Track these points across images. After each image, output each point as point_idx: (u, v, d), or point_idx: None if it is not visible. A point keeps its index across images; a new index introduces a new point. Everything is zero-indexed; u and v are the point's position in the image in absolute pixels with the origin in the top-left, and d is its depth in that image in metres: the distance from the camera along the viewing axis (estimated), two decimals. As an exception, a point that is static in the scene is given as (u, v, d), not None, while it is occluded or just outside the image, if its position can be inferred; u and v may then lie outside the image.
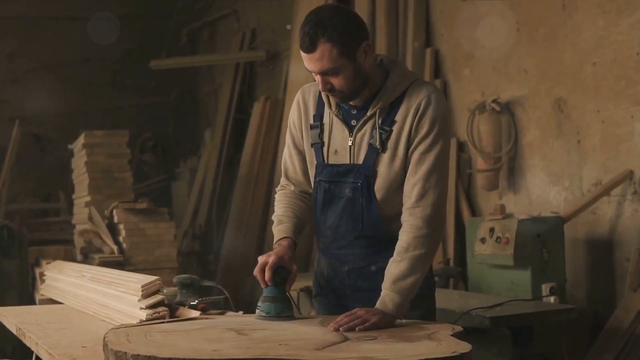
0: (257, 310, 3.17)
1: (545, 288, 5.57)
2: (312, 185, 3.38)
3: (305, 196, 3.44)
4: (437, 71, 7.83)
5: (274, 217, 3.42)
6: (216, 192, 11.89)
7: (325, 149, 3.30)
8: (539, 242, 5.64)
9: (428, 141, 3.11)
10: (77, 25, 13.23)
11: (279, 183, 3.53)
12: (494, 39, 7.09)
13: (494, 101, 6.80)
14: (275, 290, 3.14)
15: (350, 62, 3.08)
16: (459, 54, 7.59)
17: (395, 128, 3.16)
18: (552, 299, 5.52)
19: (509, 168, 6.88)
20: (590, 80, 6.10)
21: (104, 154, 8.70)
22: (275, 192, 3.53)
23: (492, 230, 5.77)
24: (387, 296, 3.04)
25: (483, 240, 5.83)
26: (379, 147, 3.16)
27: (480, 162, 6.93)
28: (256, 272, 3.14)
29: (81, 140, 8.91)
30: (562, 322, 5.25)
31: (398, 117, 3.16)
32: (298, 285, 6.46)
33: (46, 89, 13.05)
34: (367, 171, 3.19)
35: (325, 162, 3.29)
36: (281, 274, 3.13)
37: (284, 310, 3.13)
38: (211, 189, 11.94)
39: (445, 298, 5.30)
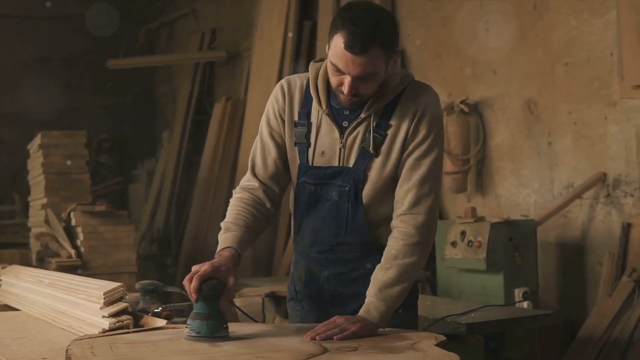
0: (186, 329, 2.75)
1: (517, 293, 5.47)
2: (294, 186, 3.17)
3: (263, 205, 3.15)
4: (403, 72, 7.70)
5: (222, 224, 3.09)
6: (174, 195, 11.77)
7: (311, 150, 3.09)
8: (512, 246, 5.54)
9: (424, 147, 2.96)
10: (33, 24, 13.04)
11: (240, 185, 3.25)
12: (462, 38, 6.99)
13: (462, 102, 6.72)
14: (207, 306, 2.73)
15: (385, 68, 2.92)
16: (425, 54, 7.48)
17: (390, 132, 2.99)
18: (525, 304, 5.41)
19: (477, 170, 6.80)
20: (561, 81, 6.02)
21: (61, 155, 8.47)
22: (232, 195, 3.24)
23: (463, 233, 5.66)
24: (372, 304, 2.90)
25: (454, 244, 5.71)
26: (372, 151, 3.00)
27: (448, 164, 6.83)
28: (185, 281, 2.74)
29: (37, 140, 8.69)
30: (535, 328, 5.14)
31: (393, 121, 2.99)
32: (262, 291, 6.31)
33: (0, 89, 12.85)
34: (357, 175, 3.02)
35: (310, 163, 3.09)
36: (214, 287, 2.73)
37: (218, 328, 2.73)
38: (169, 191, 11.82)
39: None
